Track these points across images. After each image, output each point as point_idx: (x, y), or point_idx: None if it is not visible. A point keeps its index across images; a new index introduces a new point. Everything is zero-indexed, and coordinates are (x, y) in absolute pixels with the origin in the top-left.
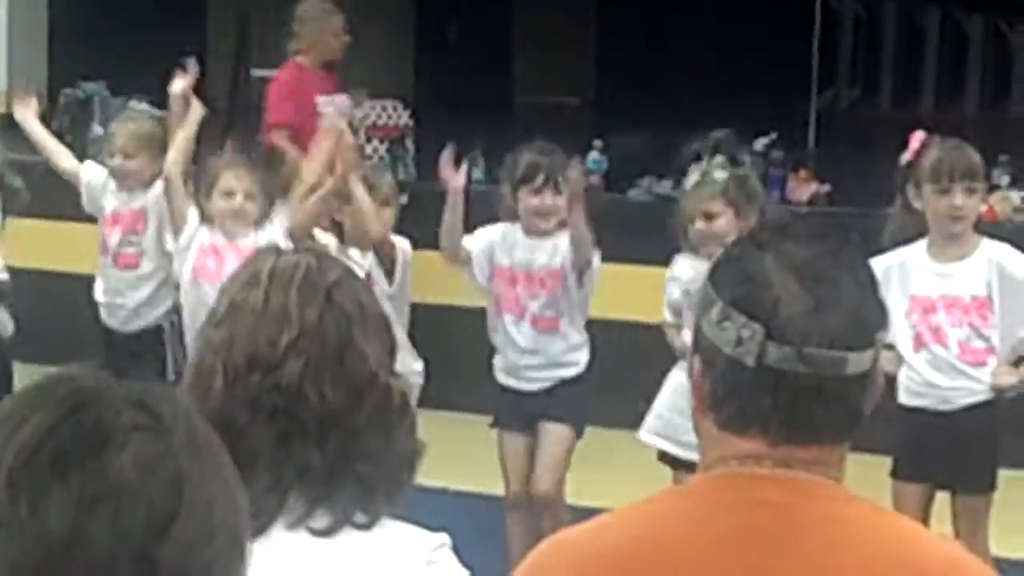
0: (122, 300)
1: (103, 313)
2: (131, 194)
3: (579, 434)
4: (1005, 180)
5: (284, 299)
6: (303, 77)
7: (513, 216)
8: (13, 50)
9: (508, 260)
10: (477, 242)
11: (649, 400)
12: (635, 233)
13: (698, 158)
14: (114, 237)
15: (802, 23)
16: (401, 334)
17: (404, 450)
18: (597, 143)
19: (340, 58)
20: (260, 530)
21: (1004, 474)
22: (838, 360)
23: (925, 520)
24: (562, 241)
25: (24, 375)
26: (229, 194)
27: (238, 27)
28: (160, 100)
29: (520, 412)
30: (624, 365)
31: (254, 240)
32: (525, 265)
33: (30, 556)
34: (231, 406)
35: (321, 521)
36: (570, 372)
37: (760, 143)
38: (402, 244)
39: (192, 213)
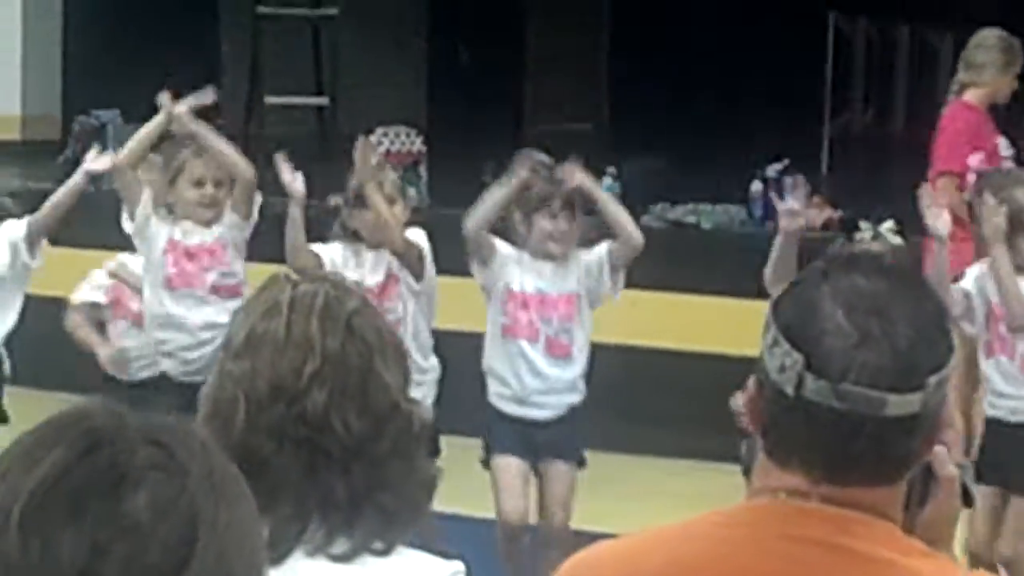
0: None
1: None
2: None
3: (582, 464)
4: None
5: (306, 328)
6: (977, 120)
7: (523, 242)
8: (28, 78)
9: (519, 285)
10: (503, 245)
11: (658, 423)
12: (648, 259)
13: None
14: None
15: (814, 48)
16: (425, 331)
17: (424, 477)
18: (610, 169)
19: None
20: (280, 558)
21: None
22: (876, 400)
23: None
24: (575, 265)
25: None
26: (199, 183)
27: (252, 55)
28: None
29: (526, 441)
30: (634, 391)
31: (215, 236)
32: (538, 289)
33: None
34: (254, 437)
35: (340, 547)
36: (576, 398)
37: (773, 169)
38: (420, 240)
39: (145, 193)
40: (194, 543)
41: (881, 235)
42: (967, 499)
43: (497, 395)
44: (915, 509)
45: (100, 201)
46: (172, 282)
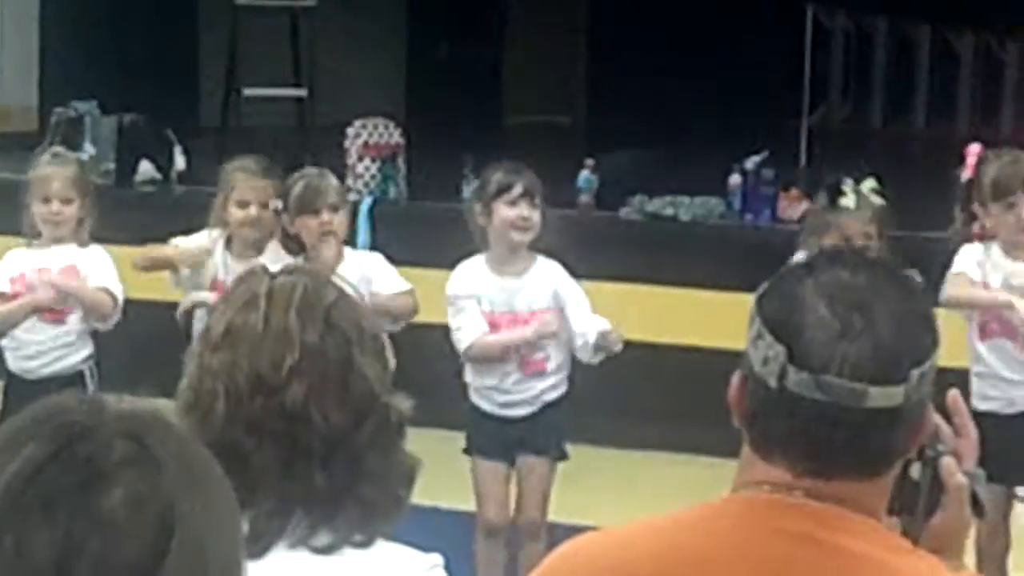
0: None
1: None
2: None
3: (562, 458)
4: None
5: (284, 321)
6: None
7: (483, 237)
8: (4, 69)
9: (489, 305)
10: (470, 301)
11: (636, 415)
12: (627, 251)
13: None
14: None
15: (792, 40)
16: None
17: (403, 468)
18: (588, 162)
19: None
20: (262, 551)
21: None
22: (858, 392)
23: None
24: (537, 278)
25: None
26: (244, 204)
27: (229, 47)
28: (150, 117)
29: (500, 439)
30: (612, 383)
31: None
32: (507, 306)
33: None
34: (234, 430)
35: (322, 540)
36: (554, 395)
37: (751, 161)
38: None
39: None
40: (170, 538)
41: (861, 194)
42: (977, 508)
43: (475, 392)
44: (923, 518)
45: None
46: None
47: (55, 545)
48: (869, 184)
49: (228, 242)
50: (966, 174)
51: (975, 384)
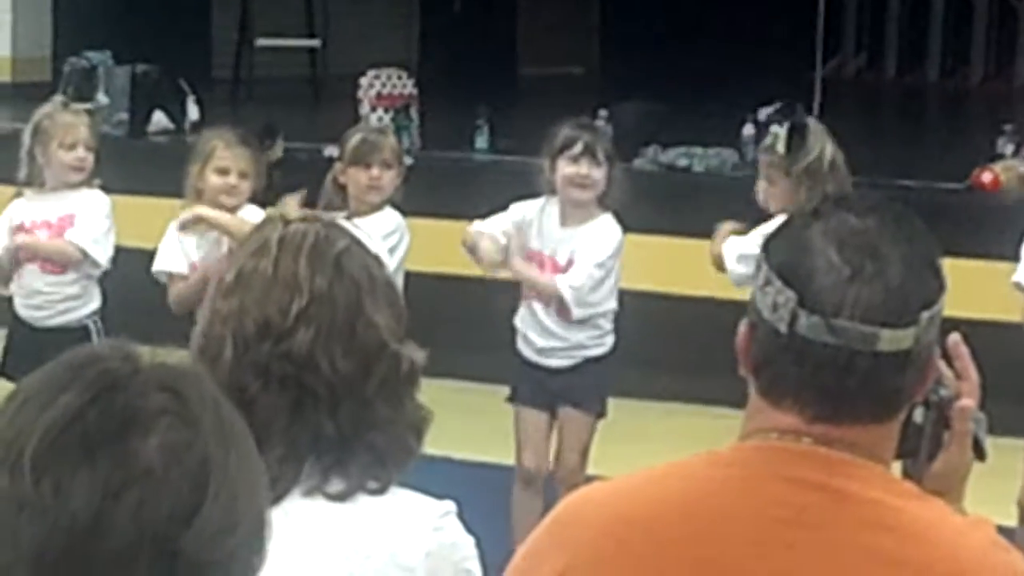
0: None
1: None
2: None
3: (602, 414)
4: (1010, 149)
5: (294, 267)
6: None
7: (552, 191)
8: (18, 20)
9: (539, 243)
10: (500, 223)
11: (649, 367)
12: (641, 202)
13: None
14: None
15: None
16: None
17: (413, 418)
18: (602, 112)
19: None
20: (277, 499)
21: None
22: (869, 335)
23: None
24: (589, 234)
25: None
26: (224, 172)
27: None
28: (163, 68)
29: (543, 389)
30: (625, 334)
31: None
32: (552, 251)
33: (52, 540)
34: (241, 375)
35: (336, 487)
36: (596, 352)
37: (765, 112)
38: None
39: None
40: (204, 492)
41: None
42: (979, 453)
43: (520, 341)
44: (926, 461)
45: None
46: None
47: (95, 491)
48: (777, 130)
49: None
50: None
51: None
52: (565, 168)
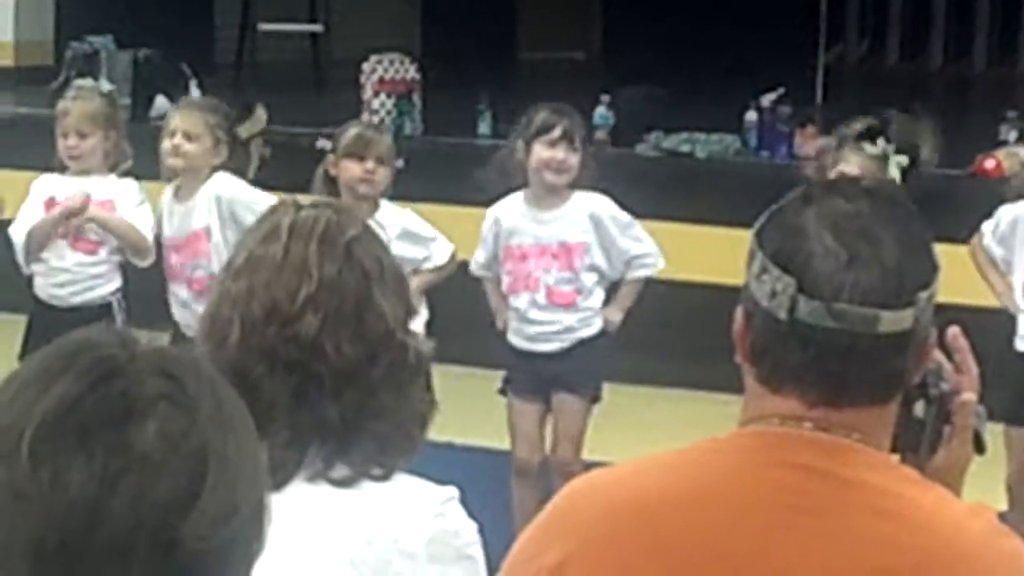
0: None
1: None
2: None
3: (596, 399)
4: (1013, 136)
5: (304, 252)
6: None
7: (524, 174)
8: (20, 4)
9: (517, 239)
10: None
11: (652, 353)
12: (643, 188)
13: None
14: None
15: None
16: None
17: (417, 408)
18: (604, 98)
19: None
20: (280, 484)
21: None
22: (869, 317)
23: None
24: (570, 212)
25: None
26: (171, 134)
27: None
28: (166, 52)
29: (534, 377)
30: (628, 321)
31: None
32: (535, 239)
33: (50, 529)
34: (247, 357)
35: (340, 472)
36: (588, 333)
37: (767, 98)
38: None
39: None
40: (203, 479)
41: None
42: (979, 446)
43: (510, 329)
44: (926, 456)
45: None
46: None
47: (92, 479)
48: (899, 159)
49: (177, 191)
50: None
51: (1021, 324)
52: (542, 152)
